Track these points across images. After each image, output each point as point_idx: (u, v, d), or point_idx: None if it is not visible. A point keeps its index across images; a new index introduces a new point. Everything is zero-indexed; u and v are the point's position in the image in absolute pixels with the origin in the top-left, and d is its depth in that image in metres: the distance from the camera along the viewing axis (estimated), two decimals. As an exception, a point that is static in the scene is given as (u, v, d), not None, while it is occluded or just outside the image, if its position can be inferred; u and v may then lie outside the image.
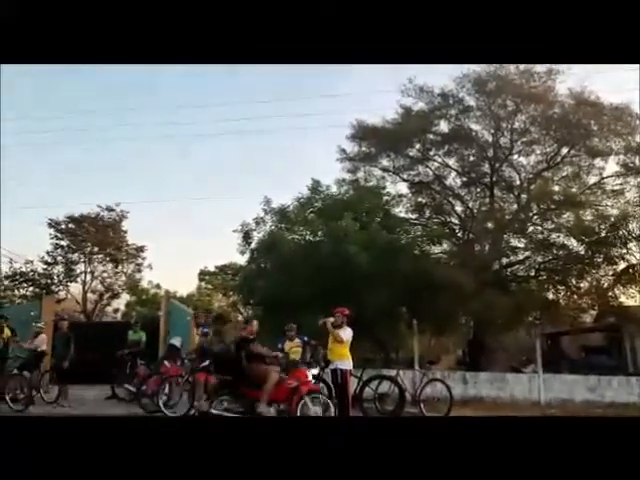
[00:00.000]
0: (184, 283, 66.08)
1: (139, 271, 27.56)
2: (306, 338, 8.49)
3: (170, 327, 13.92)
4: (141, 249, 27.02)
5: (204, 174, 59.13)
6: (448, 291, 13.40)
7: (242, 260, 17.70)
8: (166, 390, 8.71)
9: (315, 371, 7.44)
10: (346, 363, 7.71)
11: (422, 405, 8.35)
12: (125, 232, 26.67)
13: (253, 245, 16.07)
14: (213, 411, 6.66)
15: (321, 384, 8.04)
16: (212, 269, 32.11)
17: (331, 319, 7.91)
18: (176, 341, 10.43)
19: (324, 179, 20.87)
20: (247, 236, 16.16)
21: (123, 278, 27.13)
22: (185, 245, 51.35)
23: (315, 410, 6.51)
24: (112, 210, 25.98)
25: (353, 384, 7.78)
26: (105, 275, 26.54)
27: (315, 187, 16.09)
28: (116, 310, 28.62)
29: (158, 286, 29.83)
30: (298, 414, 6.38)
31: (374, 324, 13.39)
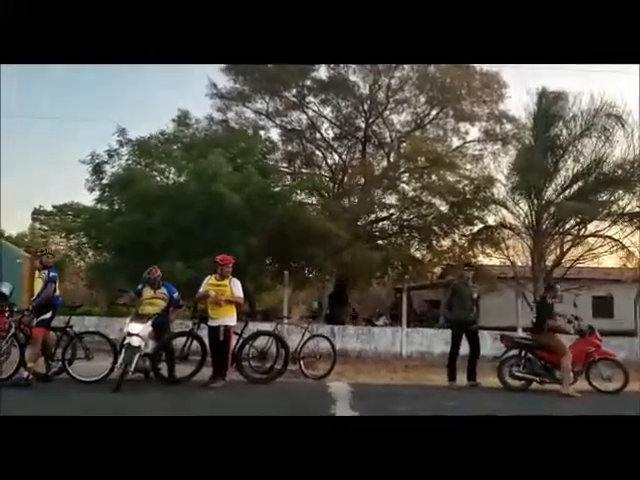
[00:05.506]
0: (15, 223, 58.21)
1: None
2: (176, 295, 7.05)
3: (-5, 271, 11.54)
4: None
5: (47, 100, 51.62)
6: (321, 243, 12.99)
7: (88, 200, 15.50)
8: (-10, 347, 6.86)
9: (138, 327, 6.19)
10: (231, 319, 6.72)
11: (302, 362, 7.73)
12: None
13: (105, 181, 13.98)
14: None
15: (195, 342, 6.98)
16: (49, 208, 28.08)
17: (212, 292, 6.69)
18: (5, 288, 8.38)
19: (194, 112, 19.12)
20: (98, 170, 13.97)
21: None
22: (21, 180, 44.71)
23: None
24: None
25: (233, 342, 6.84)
26: None
27: (183, 119, 14.32)
28: None
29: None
30: None
31: (243, 274, 12.46)
